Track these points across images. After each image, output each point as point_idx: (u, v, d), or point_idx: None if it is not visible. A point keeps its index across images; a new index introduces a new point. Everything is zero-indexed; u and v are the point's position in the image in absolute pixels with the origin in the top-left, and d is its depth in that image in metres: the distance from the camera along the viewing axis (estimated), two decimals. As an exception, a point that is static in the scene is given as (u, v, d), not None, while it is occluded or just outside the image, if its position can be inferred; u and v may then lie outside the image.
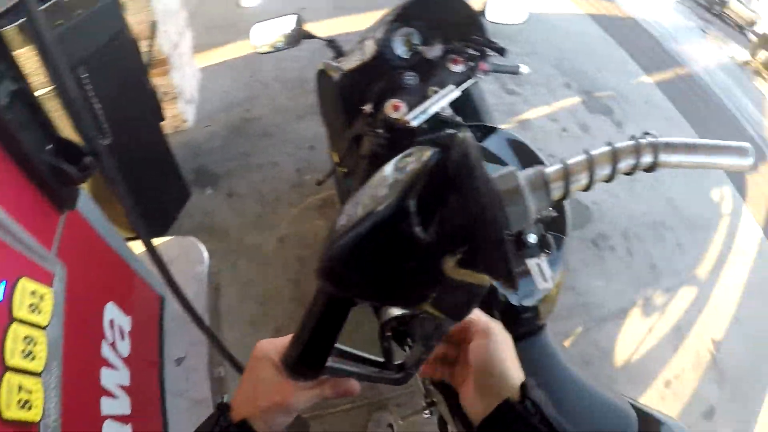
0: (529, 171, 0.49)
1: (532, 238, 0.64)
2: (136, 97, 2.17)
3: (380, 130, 1.36)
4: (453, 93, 1.33)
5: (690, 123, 4.97)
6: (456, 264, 0.44)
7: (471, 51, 1.46)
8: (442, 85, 1.35)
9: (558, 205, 1.08)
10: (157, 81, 2.62)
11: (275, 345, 0.55)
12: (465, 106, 1.66)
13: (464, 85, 1.40)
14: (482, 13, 1.61)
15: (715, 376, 2.88)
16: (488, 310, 0.98)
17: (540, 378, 0.72)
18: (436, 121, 1.36)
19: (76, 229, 1.26)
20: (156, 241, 1.92)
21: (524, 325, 1.15)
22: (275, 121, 3.24)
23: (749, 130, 5.83)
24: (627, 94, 4.76)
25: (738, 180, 4.73)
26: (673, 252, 3.29)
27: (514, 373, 0.56)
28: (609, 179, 0.50)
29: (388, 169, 0.47)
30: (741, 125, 5.50)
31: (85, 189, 1.29)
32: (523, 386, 0.53)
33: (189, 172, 2.74)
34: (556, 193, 0.49)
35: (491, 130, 1.37)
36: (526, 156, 1.35)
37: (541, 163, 1.24)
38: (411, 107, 1.29)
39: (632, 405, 1.11)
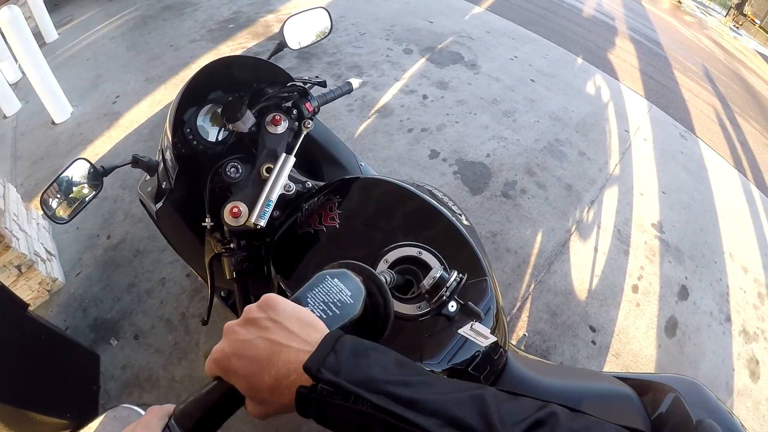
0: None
1: (452, 307, 0.81)
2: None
3: (232, 245, 1.22)
4: (288, 163, 1.20)
5: (533, 30, 5.15)
6: None
7: (285, 102, 1.34)
8: (274, 156, 1.22)
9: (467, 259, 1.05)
10: (3, 259, 2.36)
11: (166, 409, 0.57)
12: (311, 147, 1.56)
13: (297, 144, 1.28)
14: (279, 49, 1.48)
15: (672, 256, 2.97)
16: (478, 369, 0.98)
17: None
18: (288, 202, 1.25)
19: None
20: (92, 425, 1.75)
21: (494, 367, 1.09)
22: (141, 234, 2.97)
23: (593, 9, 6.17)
24: (467, 32, 4.85)
25: (604, 63, 4.97)
26: (580, 163, 3.36)
27: (281, 365, 0.52)
28: None
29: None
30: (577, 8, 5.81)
31: None
32: (307, 370, 0.49)
33: (86, 331, 2.53)
34: None
35: (350, 182, 1.25)
36: (394, 193, 1.23)
37: (405, 193, 1.19)
38: (250, 203, 1.15)
39: (629, 379, 1.13)
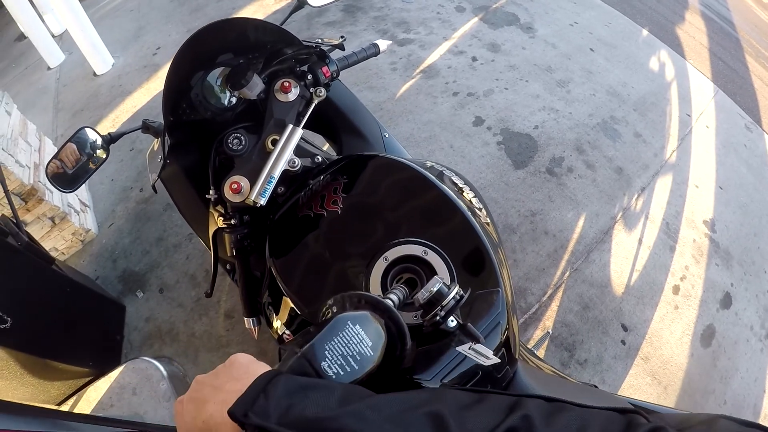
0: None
1: (452, 322, 0.74)
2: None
3: (234, 221, 1.15)
4: (294, 136, 1.08)
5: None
6: None
7: (300, 66, 1.20)
8: (281, 126, 1.10)
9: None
10: (37, 211, 2.43)
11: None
12: (332, 114, 1.42)
13: (307, 114, 1.16)
14: (299, 6, 1.34)
15: (721, 259, 2.79)
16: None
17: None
18: (294, 177, 1.15)
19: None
20: (113, 374, 2.02)
21: (497, 386, 0.99)
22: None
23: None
24: (525, -9, 4.50)
25: (671, 38, 4.60)
26: (634, 145, 3.14)
27: (215, 411, 0.51)
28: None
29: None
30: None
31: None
32: (231, 415, 0.47)
33: (114, 282, 2.60)
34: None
35: (361, 161, 1.14)
36: (407, 179, 1.09)
37: (420, 181, 1.06)
38: (252, 178, 1.06)
39: (633, 405, 1.02)
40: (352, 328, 0.58)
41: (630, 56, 3.99)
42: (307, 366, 0.54)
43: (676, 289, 2.59)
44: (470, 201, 1.22)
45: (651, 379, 2.28)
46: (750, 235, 3.00)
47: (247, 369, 0.54)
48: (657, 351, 2.37)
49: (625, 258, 2.61)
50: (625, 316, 2.42)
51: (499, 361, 0.83)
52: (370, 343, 0.58)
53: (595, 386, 1.60)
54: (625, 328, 2.38)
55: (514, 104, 3.20)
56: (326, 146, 1.68)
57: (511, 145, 2.94)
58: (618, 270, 2.55)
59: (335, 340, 0.56)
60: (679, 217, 2.89)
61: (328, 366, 0.54)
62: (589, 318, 2.37)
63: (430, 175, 1.09)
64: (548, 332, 2.21)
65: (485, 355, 0.75)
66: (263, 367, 0.55)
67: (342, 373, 0.55)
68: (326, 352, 0.55)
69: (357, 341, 0.57)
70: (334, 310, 0.66)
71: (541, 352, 2.20)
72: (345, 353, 0.56)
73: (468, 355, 0.78)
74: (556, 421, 0.43)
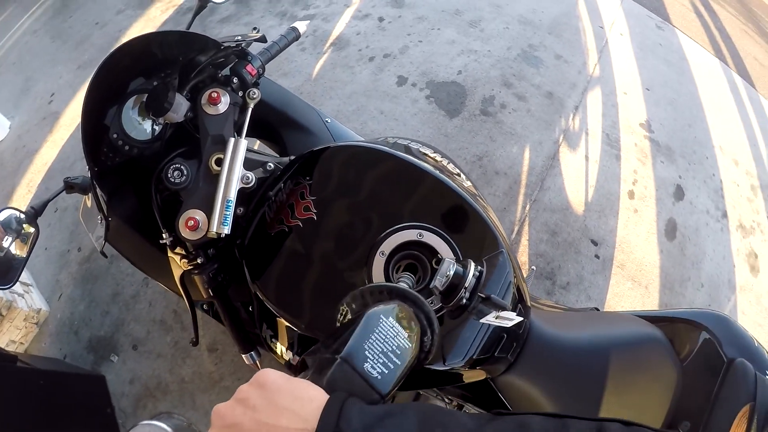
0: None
1: (475, 301, 0.71)
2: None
3: (199, 259, 1.02)
4: (240, 149, 0.97)
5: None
6: None
7: (221, 71, 1.10)
8: (222, 143, 0.99)
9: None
10: None
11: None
12: (267, 114, 1.32)
13: (246, 121, 1.05)
14: (203, 6, 1.19)
15: (664, 156, 2.89)
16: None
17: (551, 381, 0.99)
18: (252, 193, 1.04)
19: None
20: None
21: (519, 341, 1.00)
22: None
23: None
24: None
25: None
26: (557, 68, 3.18)
27: None
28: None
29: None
30: None
31: None
32: None
33: (84, 354, 2.41)
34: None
35: (317, 155, 1.05)
36: (370, 162, 1.03)
37: (384, 159, 1.02)
38: (206, 208, 0.95)
39: (654, 317, 1.09)
40: (386, 322, 0.55)
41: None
42: (349, 371, 0.50)
43: (631, 194, 2.65)
44: (446, 166, 1.17)
45: (631, 283, 2.34)
46: (685, 127, 3.12)
47: (292, 393, 0.47)
48: (629, 256, 2.43)
49: (577, 177, 2.65)
50: (591, 232, 2.46)
51: (522, 318, 0.83)
52: (406, 335, 0.55)
53: (597, 309, 1.63)
54: (595, 243, 2.43)
55: (432, 55, 3.16)
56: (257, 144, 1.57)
57: (440, 96, 2.91)
58: (573, 190, 2.59)
59: (373, 337, 0.53)
60: (616, 126, 2.96)
61: (372, 366, 0.51)
62: (559, 243, 2.39)
63: (390, 149, 1.03)
64: (533, 269, 2.22)
65: (509, 319, 0.73)
66: (307, 387, 0.48)
67: (386, 372, 0.51)
68: (366, 352, 0.52)
69: (393, 334, 0.54)
70: (353, 308, 0.63)
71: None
72: (385, 349, 0.52)
73: (494, 323, 0.77)
74: None
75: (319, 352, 0.55)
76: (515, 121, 2.81)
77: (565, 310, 1.43)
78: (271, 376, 0.49)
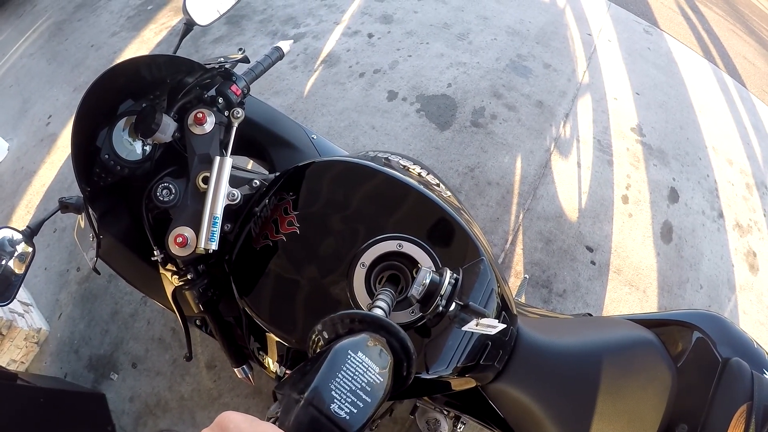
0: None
1: (452, 306, 0.75)
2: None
3: (189, 275, 1.07)
4: (225, 167, 1.03)
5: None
6: None
7: (207, 92, 1.15)
8: (208, 161, 1.05)
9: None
10: None
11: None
12: (253, 131, 1.38)
13: (231, 140, 1.10)
14: (188, 30, 1.26)
15: (657, 159, 2.95)
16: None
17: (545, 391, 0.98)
18: (238, 209, 1.09)
19: None
20: None
21: (506, 348, 1.02)
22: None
23: None
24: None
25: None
26: (547, 76, 3.26)
27: None
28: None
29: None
30: None
31: None
32: None
33: (84, 373, 2.47)
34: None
35: (300, 172, 1.11)
36: (351, 176, 1.09)
37: (364, 173, 1.07)
38: (194, 225, 1.01)
39: (647, 320, 1.10)
40: (354, 358, 0.54)
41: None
42: (315, 413, 0.49)
43: (625, 199, 2.71)
44: (425, 178, 1.22)
45: (629, 288, 2.39)
46: (676, 129, 3.19)
47: None
48: (626, 261, 2.48)
49: (569, 184, 2.71)
50: (586, 238, 2.51)
51: (505, 326, 0.84)
52: (377, 369, 0.54)
53: (589, 314, 1.66)
54: (590, 249, 2.48)
55: (421, 69, 3.25)
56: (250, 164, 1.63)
57: (430, 110, 2.99)
58: (567, 197, 2.65)
59: (340, 375, 0.52)
60: (607, 131, 3.03)
61: (339, 407, 0.49)
62: (554, 251, 2.45)
63: (370, 163, 1.08)
64: (526, 277, 2.26)
65: (492, 326, 0.76)
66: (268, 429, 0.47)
67: (355, 411, 0.50)
68: (333, 392, 0.50)
69: (363, 370, 0.53)
70: (325, 336, 0.62)
71: (524, 299, 2.26)
72: (353, 387, 0.51)
73: (475, 331, 0.80)
74: None
75: (287, 388, 0.54)
76: (506, 132, 2.89)
77: (555, 317, 1.46)
78: (234, 419, 0.47)
